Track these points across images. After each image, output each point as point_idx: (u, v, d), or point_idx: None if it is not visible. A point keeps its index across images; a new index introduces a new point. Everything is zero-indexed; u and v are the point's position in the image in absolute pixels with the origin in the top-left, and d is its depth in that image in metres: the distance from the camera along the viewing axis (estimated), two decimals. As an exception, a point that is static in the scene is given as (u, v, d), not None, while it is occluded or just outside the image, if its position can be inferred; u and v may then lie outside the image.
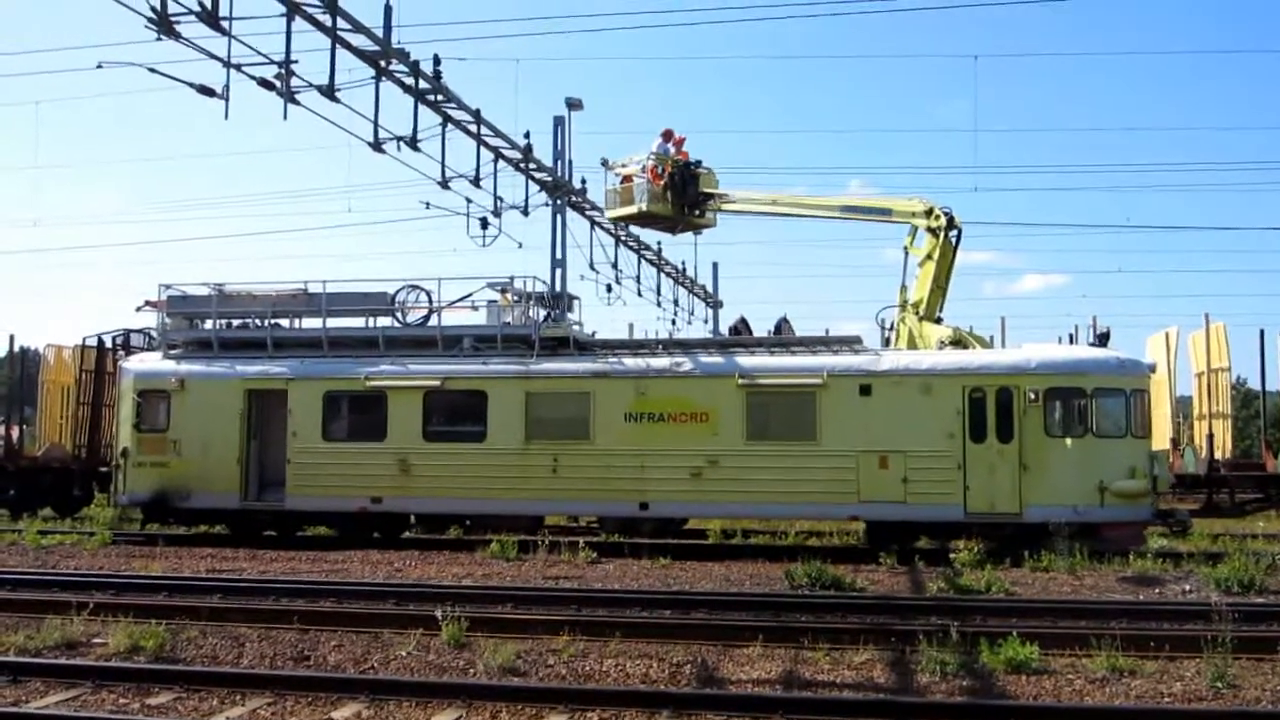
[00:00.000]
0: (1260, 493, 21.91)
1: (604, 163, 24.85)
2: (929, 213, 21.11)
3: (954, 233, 20.99)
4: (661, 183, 23.55)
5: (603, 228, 26.66)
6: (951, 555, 17.57)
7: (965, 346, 19.99)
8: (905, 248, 21.78)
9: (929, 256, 21.09)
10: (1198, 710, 8.79)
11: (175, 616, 12.37)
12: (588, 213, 25.99)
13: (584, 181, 25.06)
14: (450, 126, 18.85)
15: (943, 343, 20.06)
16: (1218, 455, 22.83)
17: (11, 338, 28.73)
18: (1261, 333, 24.34)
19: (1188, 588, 15.12)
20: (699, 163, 23.91)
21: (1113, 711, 8.66)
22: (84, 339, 26.10)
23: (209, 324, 22.41)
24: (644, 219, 24.64)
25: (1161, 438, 22.32)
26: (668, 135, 23.90)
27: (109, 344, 25.67)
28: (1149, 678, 9.92)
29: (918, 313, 20.93)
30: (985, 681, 9.85)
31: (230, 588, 14.70)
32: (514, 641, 11.00)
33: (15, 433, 26.87)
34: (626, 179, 24.20)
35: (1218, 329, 24.60)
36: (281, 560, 18.04)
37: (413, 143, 17.58)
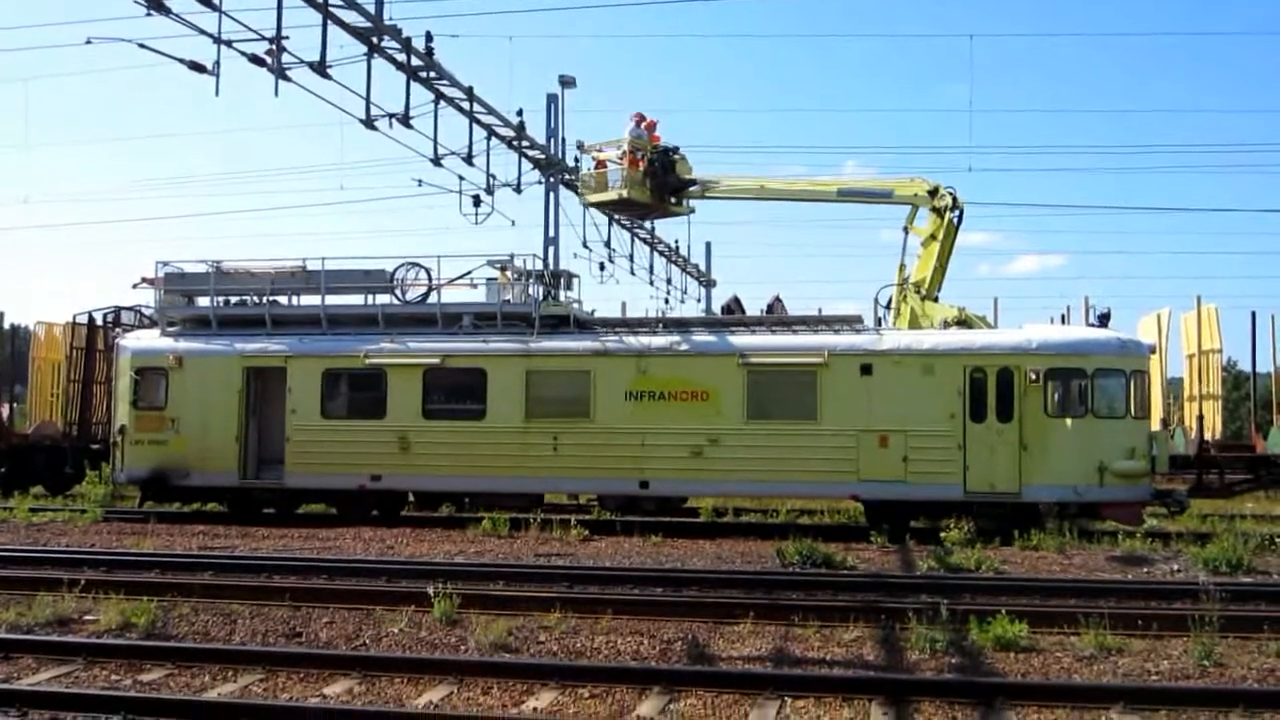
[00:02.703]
0: (1249, 474, 21.94)
1: (580, 146, 24.48)
2: (934, 192, 21.06)
3: (956, 212, 20.98)
4: (641, 168, 23.22)
5: (613, 184, 26.33)
6: (942, 534, 17.63)
7: (969, 326, 19.99)
8: (906, 228, 21.72)
9: (932, 236, 21.07)
10: (1185, 688, 8.81)
11: (167, 593, 12.40)
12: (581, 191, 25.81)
13: (577, 159, 24.92)
14: (443, 104, 18.77)
15: (947, 322, 20.05)
16: (1208, 436, 22.84)
17: (1, 315, 28.56)
18: (1253, 314, 24.39)
19: (1176, 567, 15.18)
20: (676, 149, 23.68)
21: (1100, 689, 8.68)
22: (74, 316, 26.10)
23: (206, 301, 22.39)
24: (622, 205, 24.22)
25: (1153, 419, 22.34)
26: (639, 119, 23.55)
27: (100, 321, 25.64)
28: (1137, 656, 9.97)
29: (919, 292, 20.91)
30: (974, 659, 9.92)
31: (222, 565, 14.73)
32: (505, 618, 11.06)
33: (6, 410, 26.85)
34: (600, 164, 23.75)
35: (1209, 311, 24.59)
36: (273, 537, 18.12)
37: (405, 120, 17.50)
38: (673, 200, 24.02)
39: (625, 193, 22.85)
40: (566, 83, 23.61)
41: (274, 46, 14.92)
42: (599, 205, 24.20)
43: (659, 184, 23.21)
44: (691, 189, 23.86)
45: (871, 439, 18.86)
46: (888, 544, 17.58)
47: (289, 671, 9.34)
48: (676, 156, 23.38)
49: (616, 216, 26.97)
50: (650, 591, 12.89)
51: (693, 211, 24.95)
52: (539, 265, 22.08)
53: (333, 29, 15.73)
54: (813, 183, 24.03)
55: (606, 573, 14.11)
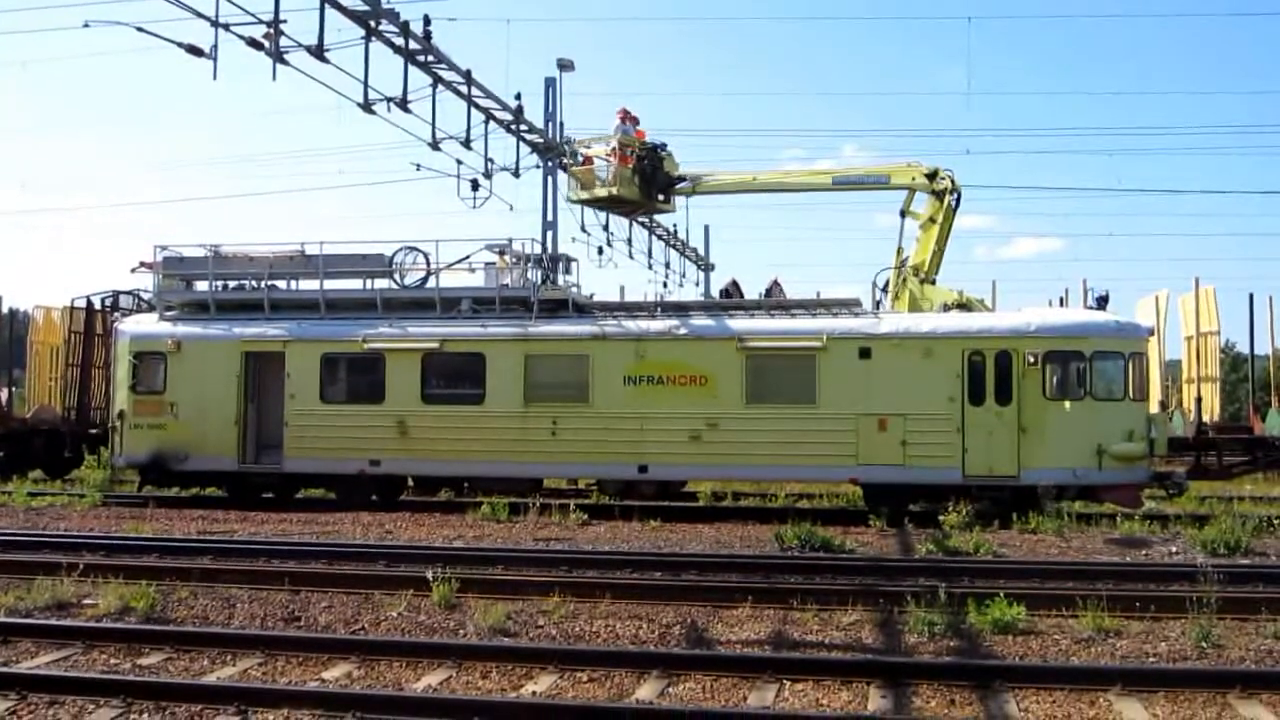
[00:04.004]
0: (1247, 455, 21.95)
1: (567, 143, 24.30)
2: (933, 176, 21.05)
3: (954, 196, 21.00)
4: (630, 165, 22.92)
5: (602, 181, 26.20)
6: (941, 518, 17.65)
7: (969, 309, 20.02)
8: (903, 212, 21.73)
9: (931, 220, 21.11)
10: (1182, 669, 8.83)
11: (166, 577, 12.39)
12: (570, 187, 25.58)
13: (572, 153, 24.76)
14: (441, 87, 18.64)
15: (947, 305, 20.06)
16: (1206, 418, 22.86)
17: (-1, 299, 28.53)
18: (1251, 296, 24.38)
19: (1174, 549, 15.20)
20: (664, 145, 23.45)
21: (1098, 671, 8.70)
22: (73, 300, 26.08)
23: (204, 285, 22.37)
24: (611, 203, 24.00)
25: (1151, 401, 22.38)
26: (625, 116, 23.31)
27: (98, 305, 25.62)
28: (1135, 638, 9.99)
29: (919, 275, 20.91)
30: (972, 641, 9.94)
31: (221, 549, 14.73)
32: (504, 603, 11.07)
33: (4, 394, 26.86)
34: (587, 161, 23.55)
35: (1207, 293, 24.58)
36: (272, 522, 18.14)
37: (403, 104, 17.40)
38: (660, 198, 23.92)
39: (616, 190, 22.75)
40: (564, 66, 23.46)
41: (272, 30, 14.84)
42: (587, 202, 24.06)
43: (648, 181, 23.07)
44: (681, 185, 23.69)
45: (870, 422, 18.87)
46: (886, 527, 17.61)
47: (288, 655, 9.35)
48: (664, 154, 23.27)
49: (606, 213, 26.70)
50: (649, 576, 12.88)
51: (691, 195, 24.78)
52: (537, 249, 22.03)
53: (330, 12, 15.63)
54: (807, 173, 23.96)
55: (605, 557, 14.12)
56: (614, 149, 22.82)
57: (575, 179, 23.76)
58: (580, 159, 23.57)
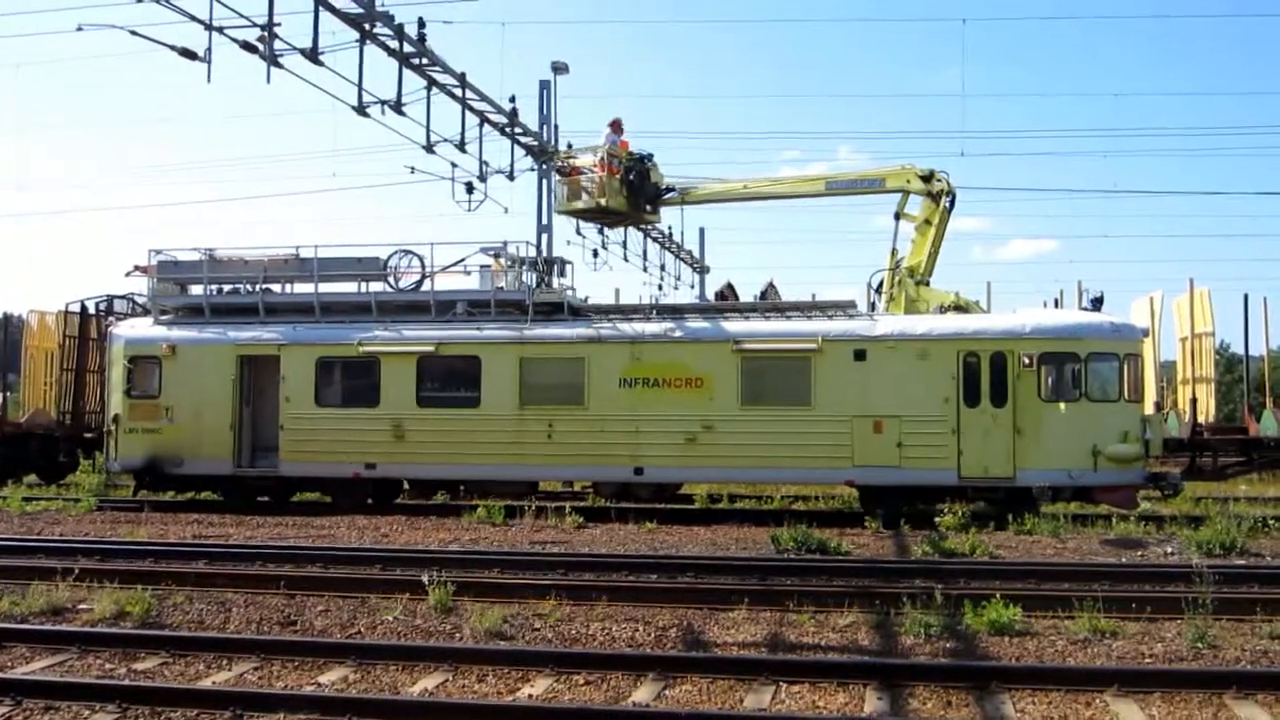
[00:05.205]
0: (1242, 456, 21.99)
1: (556, 152, 24.18)
2: (928, 178, 21.05)
3: (949, 198, 21.01)
4: (618, 175, 22.81)
5: (588, 192, 26.19)
6: (936, 519, 17.66)
7: (965, 311, 20.03)
8: (898, 214, 21.71)
9: (926, 222, 21.09)
10: (1178, 670, 8.84)
11: (161, 582, 12.39)
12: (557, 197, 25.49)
13: (570, 146, 24.80)
14: (435, 90, 18.64)
15: (944, 307, 20.06)
16: (1201, 419, 22.89)
17: (-7, 303, 28.53)
18: (1245, 297, 24.34)
19: (1170, 550, 15.22)
20: (650, 155, 23.38)
21: (1094, 672, 8.70)
22: (67, 305, 26.02)
23: (199, 289, 22.35)
24: (598, 214, 23.88)
25: (1146, 402, 22.41)
26: (616, 126, 23.11)
27: (93, 310, 25.57)
28: (1130, 639, 10.00)
29: (914, 277, 20.92)
30: (968, 643, 9.93)
31: (216, 553, 14.72)
32: (500, 606, 11.05)
33: (-1, 399, 26.80)
34: (574, 171, 23.43)
35: (1202, 294, 24.57)
36: (268, 526, 18.09)
37: (397, 107, 17.39)
38: (649, 209, 23.86)
39: (604, 201, 22.69)
40: (559, 69, 23.44)
41: (266, 33, 14.82)
42: (575, 213, 23.99)
43: (635, 192, 23.00)
44: (669, 196, 23.57)
45: (866, 424, 18.88)
46: (882, 529, 17.62)
47: (284, 660, 9.34)
48: (650, 164, 23.19)
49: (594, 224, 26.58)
50: (645, 578, 12.90)
51: (680, 205, 24.69)
52: (532, 252, 22.05)
53: (325, 15, 15.63)
54: (799, 179, 23.90)
55: (601, 560, 14.11)
56: (600, 160, 22.75)
57: (568, 187, 23.66)
58: (567, 170, 23.49)
